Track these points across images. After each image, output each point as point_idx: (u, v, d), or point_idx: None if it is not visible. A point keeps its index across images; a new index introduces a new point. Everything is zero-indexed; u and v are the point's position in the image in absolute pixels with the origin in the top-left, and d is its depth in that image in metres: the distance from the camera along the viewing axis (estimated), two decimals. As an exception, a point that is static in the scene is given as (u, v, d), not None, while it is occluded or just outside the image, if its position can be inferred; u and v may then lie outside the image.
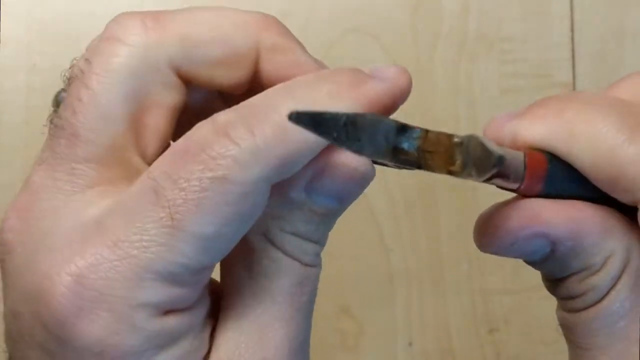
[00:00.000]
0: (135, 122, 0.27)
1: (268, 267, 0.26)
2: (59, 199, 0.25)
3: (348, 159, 0.26)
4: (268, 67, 0.27)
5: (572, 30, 0.61)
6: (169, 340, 0.25)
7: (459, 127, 0.59)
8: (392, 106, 0.28)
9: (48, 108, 0.62)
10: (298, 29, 0.60)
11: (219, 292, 0.27)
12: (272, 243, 0.26)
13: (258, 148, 0.24)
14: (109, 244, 0.24)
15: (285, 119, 0.22)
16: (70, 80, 0.27)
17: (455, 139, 0.25)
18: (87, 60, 0.27)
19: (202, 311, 0.26)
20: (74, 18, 0.60)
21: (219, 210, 0.24)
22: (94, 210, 0.25)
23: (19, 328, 0.25)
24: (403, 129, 0.26)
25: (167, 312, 0.25)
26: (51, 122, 0.28)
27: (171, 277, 0.24)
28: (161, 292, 0.24)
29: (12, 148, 0.59)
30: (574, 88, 0.60)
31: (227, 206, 0.24)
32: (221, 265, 0.27)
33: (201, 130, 0.24)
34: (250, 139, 0.24)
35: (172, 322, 0.25)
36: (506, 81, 0.60)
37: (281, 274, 0.26)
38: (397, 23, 0.59)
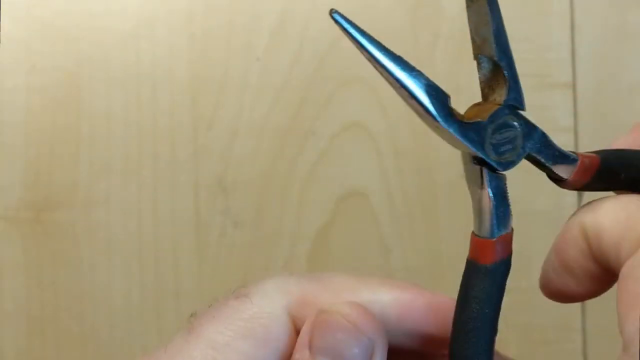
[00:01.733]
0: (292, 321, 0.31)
1: None
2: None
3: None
4: None
5: (572, 30, 0.61)
6: None
7: (459, 127, 0.59)
8: None
9: (47, 107, 0.62)
10: (298, 29, 0.61)
11: None
12: None
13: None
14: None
15: None
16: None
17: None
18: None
19: None
20: (74, 18, 0.60)
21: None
22: None
23: None
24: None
25: None
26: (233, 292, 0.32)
27: None
28: None
29: (12, 148, 0.60)
30: (574, 88, 0.60)
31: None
32: None
33: None
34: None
35: None
36: (506, 81, 0.60)
37: None
38: (397, 23, 0.59)
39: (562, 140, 0.60)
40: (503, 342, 0.59)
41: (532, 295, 0.60)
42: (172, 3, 0.60)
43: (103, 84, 0.60)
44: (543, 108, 0.59)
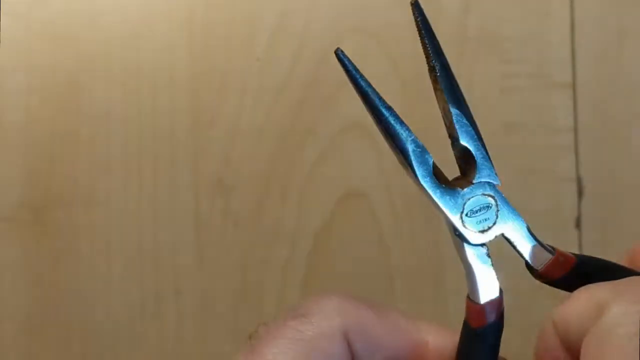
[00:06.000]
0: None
1: None
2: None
3: None
4: None
5: (572, 30, 0.61)
6: None
7: (459, 127, 0.59)
8: None
9: (47, 107, 0.62)
10: (298, 29, 0.61)
11: None
12: None
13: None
14: None
15: None
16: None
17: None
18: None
19: None
20: (74, 18, 0.60)
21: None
22: None
23: None
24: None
25: None
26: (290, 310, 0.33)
27: None
28: None
29: (12, 148, 0.60)
30: (574, 88, 0.60)
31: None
32: None
33: None
34: None
35: None
36: (506, 81, 0.60)
37: None
38: (397, 23, 0.59)
39: (562, 140, 0.60)
40: (503, 342, 0.59)
41: (532, 296, 0.60)
42: (172, 3, 0.60)
43: (103, 84, 0.60)
44: (543, 108, 0.59)
